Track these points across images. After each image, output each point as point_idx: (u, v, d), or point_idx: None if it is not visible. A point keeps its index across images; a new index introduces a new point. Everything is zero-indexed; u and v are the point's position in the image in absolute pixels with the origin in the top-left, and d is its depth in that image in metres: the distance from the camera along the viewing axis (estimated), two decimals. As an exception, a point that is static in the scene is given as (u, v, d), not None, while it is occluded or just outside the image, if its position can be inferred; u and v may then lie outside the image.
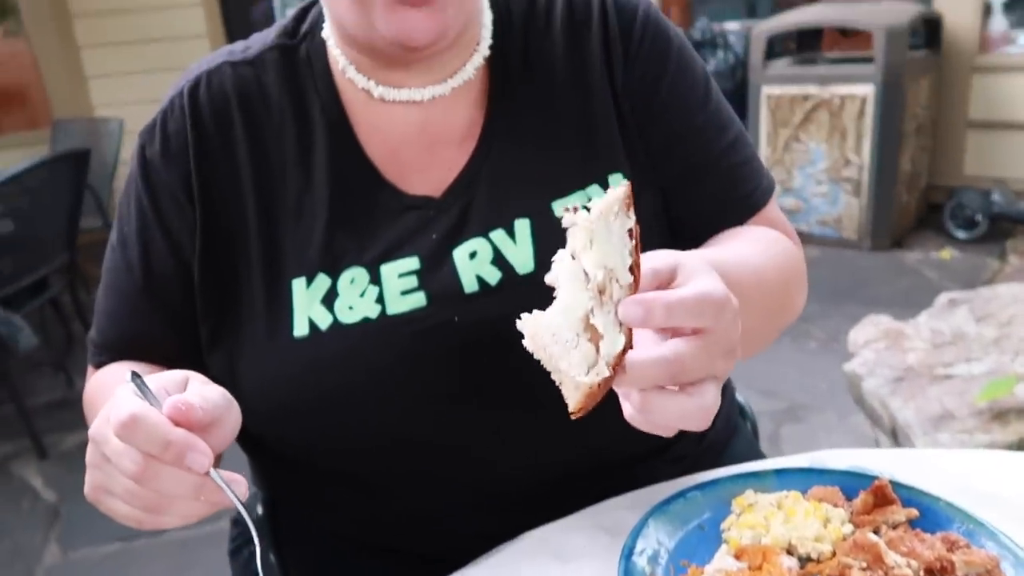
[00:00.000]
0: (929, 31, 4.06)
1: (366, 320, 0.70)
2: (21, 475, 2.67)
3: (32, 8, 4.99)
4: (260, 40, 0.79)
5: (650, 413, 0.49)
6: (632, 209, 0.49)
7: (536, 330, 0.50)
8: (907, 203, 4.05)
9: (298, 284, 0.72)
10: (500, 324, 0.69)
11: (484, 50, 0.76)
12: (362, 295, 0.71)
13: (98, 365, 0.81)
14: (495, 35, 0.77)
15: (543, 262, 0.70)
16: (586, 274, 0.49)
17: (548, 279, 0.51)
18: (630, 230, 0.49)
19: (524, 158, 0.74)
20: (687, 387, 0.49)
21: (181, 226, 0.74)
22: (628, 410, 0.50)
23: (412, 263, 0.72)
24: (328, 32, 0.76)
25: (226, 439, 0.58)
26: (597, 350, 0.49)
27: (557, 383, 0.50)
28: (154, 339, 0.77)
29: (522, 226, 0.72)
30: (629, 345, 0.49)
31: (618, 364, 0.48)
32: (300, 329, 0.71)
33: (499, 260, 0.71)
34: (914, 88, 3.82)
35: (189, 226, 0.74)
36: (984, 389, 1.63)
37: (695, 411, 0.49)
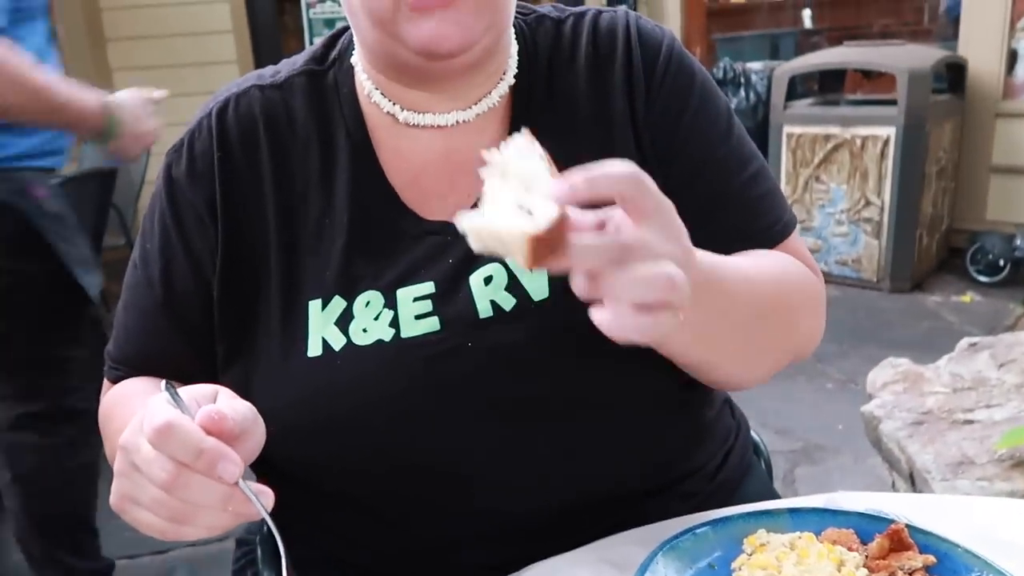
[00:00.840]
0: (953, 75, 4.06)
1: (380, 343, 0.70)
2: (32, 489, 2.68)
3: (68, 31, 5.13)
4: (289, 65, 0.80)
5: (611, 327, 0.52)
6: (537, 143, 0.55)
7: (476, 225, 0.51)
8: (928, 246, 4.03)
9: (314, 305, 0.72)
10: (514, 350, 0.70)
11: (509, 79, 0.77)
12: (376, 318, 0.71)
13: (115, 380, 0.81)
14: (520, 65, 0.78)
15: (558, 289, 0.71)
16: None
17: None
18: (541, 156, 0.53)
19: None
20: (647, 309, 0.51)
21: (203, 245, 0.75)
22: (596, 315, 0.53)
23: (427, 288, 0.72)
24: (356, 58, 0.77)
25: (252, 453, 0.58)
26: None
27: (510, 257, 0.51)
28: (171, 355, 0.78)
29: None
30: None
31: (560, 239, 0.50)
32: (314, 349, 0.71)
33: (514, 286, 0.71)
34: (937, 131, 3.81)
35: (211, 245, 0.75)
36: (1004, 436, 1.60)
37: (650, 329, 0.52)
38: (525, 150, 0.54)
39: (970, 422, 1.71)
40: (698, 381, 0.80)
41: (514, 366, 0.70)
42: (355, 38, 0.76)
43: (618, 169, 0.52)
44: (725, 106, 0.80)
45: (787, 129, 4.00)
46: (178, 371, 0.76)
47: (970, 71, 4.08)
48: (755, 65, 4.62)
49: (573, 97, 0.77)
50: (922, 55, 3.89)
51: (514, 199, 0.51)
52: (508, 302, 0.71)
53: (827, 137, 3.88)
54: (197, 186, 0.75)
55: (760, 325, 0.70)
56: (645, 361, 0.73)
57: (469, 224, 0.51)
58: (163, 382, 0.58)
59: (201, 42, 5.11)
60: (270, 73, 0.80)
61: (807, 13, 6.77)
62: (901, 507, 0.70)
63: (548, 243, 0.49)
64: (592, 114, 0.77)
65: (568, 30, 0.80)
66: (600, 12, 0.81)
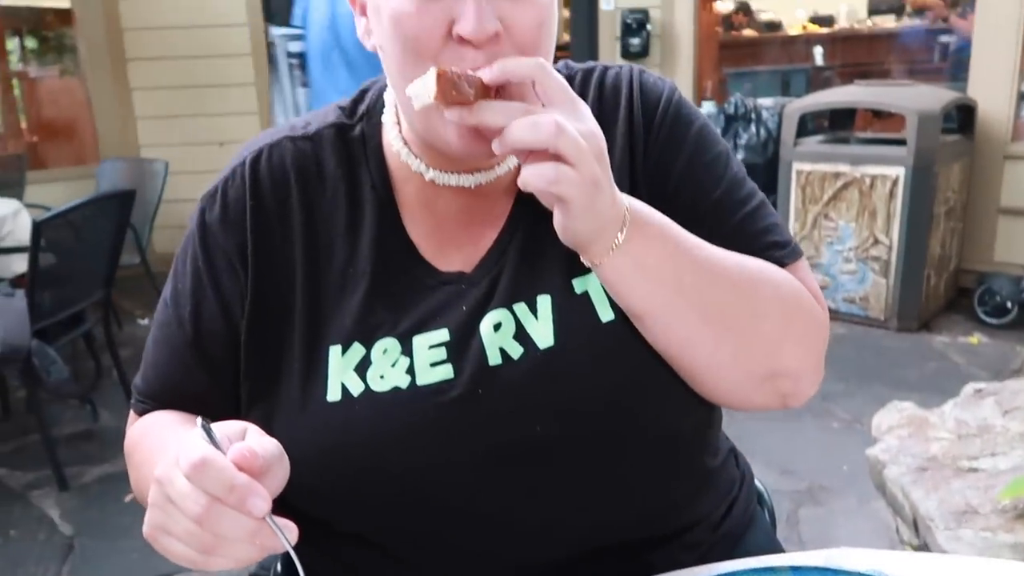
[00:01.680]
0: (963, 117, 4.09)
1: (396, 390, 0.73)
2: (40, 505, 2.68)
3: (89, 50, 5.22)
4: (319, 118, 0.83)
5: (523, 175, 0.62)
6: None
7: (416, 84, 0.64)
8: (936, 286, 4.03)
9: (334, 351, 0.75)
10: (522, 397, 0.72)
11: None
12: (393, 365, 0.74)
13: (141, 412, 0.84)
14: None
15: (563, 338, 0.73)
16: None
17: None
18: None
19: (548, 237, 0.77)
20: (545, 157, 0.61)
21: (233, 289, 0.78)
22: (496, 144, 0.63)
23: (442, 335, 0.74)
24: (387, 119, 0.80)
25: (277, 488, 0.60)
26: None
27: (430, 98, 0.62)
28: (197, 392, 0.80)
29: (544, 302, 0.75)
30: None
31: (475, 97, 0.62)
32: (333, 394, 0.73)
33: (521, 335, 0.74)
34: (946, 172, 3.84)
35: (240, 290, 0.78)
36: (1008, 486, 1.60)
37: (551, 175, 0.61)
38: None
39: (974, 470, 1.71)
40: (703, 430, 0.82)
41: (521, 413, 0.72)
42: (398, 108, 0.78)
43: (527, 59, 0.64)
44: (723, 151, 0.81)
45: (797, 166, 4.03)
46: (202, 407, 0.78)
47: (979, 113, 4.11)
48: (766, 101, 4.66)
49: None
50: (932, 96, 3.92)
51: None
52: (516, 351, 0.73)
53: (836, 175, 3.91)
54: (229, 232, 0.78)
55: (715, 294, 0.70)
56: (649, 409, 0.75)
57: (412, 90, 0.64)
58: (198, 419, 0.61)
59: (220, 64, 5.19)
60: (301, 124, 0.83)
61: (818, 50, 6.82)
62: (904, 567, 0.71)
63: (456, 87, 0.61)
64: None
65: (577, 87, 0.82)
66: (607, 69, 0.83)
